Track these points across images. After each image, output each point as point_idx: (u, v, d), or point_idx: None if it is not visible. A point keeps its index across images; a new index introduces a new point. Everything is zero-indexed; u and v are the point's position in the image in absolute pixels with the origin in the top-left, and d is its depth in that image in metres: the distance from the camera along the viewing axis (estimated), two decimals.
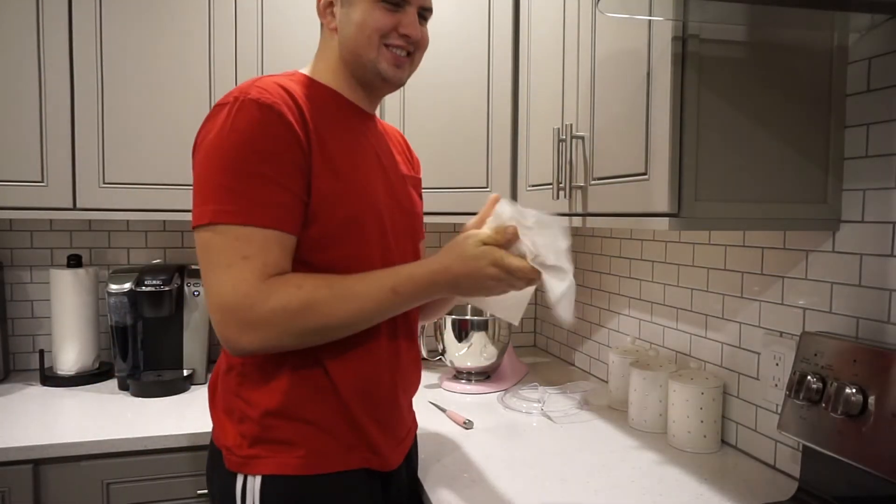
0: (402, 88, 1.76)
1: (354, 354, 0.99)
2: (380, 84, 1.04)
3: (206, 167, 0.90)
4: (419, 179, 1.24)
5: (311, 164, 0.93)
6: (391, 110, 1.79)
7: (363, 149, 1.03)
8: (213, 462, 1.05)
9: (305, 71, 1.06)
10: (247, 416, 0.97)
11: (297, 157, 0.91)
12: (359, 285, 0.93)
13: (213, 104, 1.67)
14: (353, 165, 0.99)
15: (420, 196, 1.22)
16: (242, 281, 0.87)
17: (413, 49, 1.03)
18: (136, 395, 1.68)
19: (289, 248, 0.92)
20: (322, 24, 1.05)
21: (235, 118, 0.89)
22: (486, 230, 0.96)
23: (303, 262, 0.95)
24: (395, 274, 0.95)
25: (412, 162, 1.26)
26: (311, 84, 1.01)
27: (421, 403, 1.66)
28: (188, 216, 1.59)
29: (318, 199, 0.93)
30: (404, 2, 1.00)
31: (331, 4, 1.02)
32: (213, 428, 1.05)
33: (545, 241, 0.91)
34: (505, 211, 0.95)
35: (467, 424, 1.48)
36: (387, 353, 1.03)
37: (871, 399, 0.94)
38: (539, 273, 0.91)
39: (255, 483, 0.96)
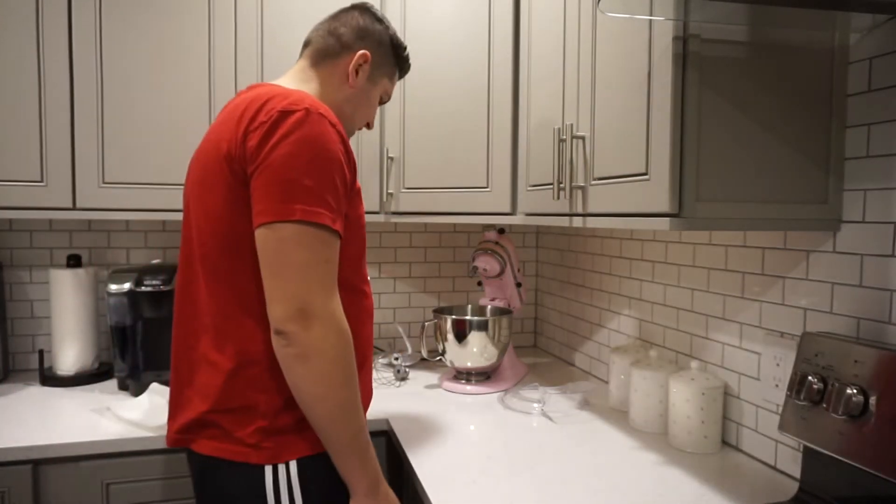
0: (402, 88, 1.78)
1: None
2: None
3: (289, 167, 0.95)
4: None
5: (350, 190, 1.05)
6: (391, 110, 1.79)
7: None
8: (210, 469, 1.04)
9: (314, 95, 1.16)
10: (273, 406, 1.01)
11: (349, 178, 1.02)
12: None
13: (212, 103, 1.69)
14: (356, 202, 1.10)
15: None
16: (329, 281, 0.96)
17: None
18: (136, 395, 1.67)
19: None
20: (334, 65, 1.17)
21: (314, 128, 0.97)
22: None
23: None
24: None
25: None
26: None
27: (421, 403, 1.66)
28: None
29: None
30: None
31: (362, 66, 1.18)
32: (209, 432, 1.03)
33: None
34: None
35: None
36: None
37: (872, 400, 0.94)
38: None
39: (288, 469, 1.00)
